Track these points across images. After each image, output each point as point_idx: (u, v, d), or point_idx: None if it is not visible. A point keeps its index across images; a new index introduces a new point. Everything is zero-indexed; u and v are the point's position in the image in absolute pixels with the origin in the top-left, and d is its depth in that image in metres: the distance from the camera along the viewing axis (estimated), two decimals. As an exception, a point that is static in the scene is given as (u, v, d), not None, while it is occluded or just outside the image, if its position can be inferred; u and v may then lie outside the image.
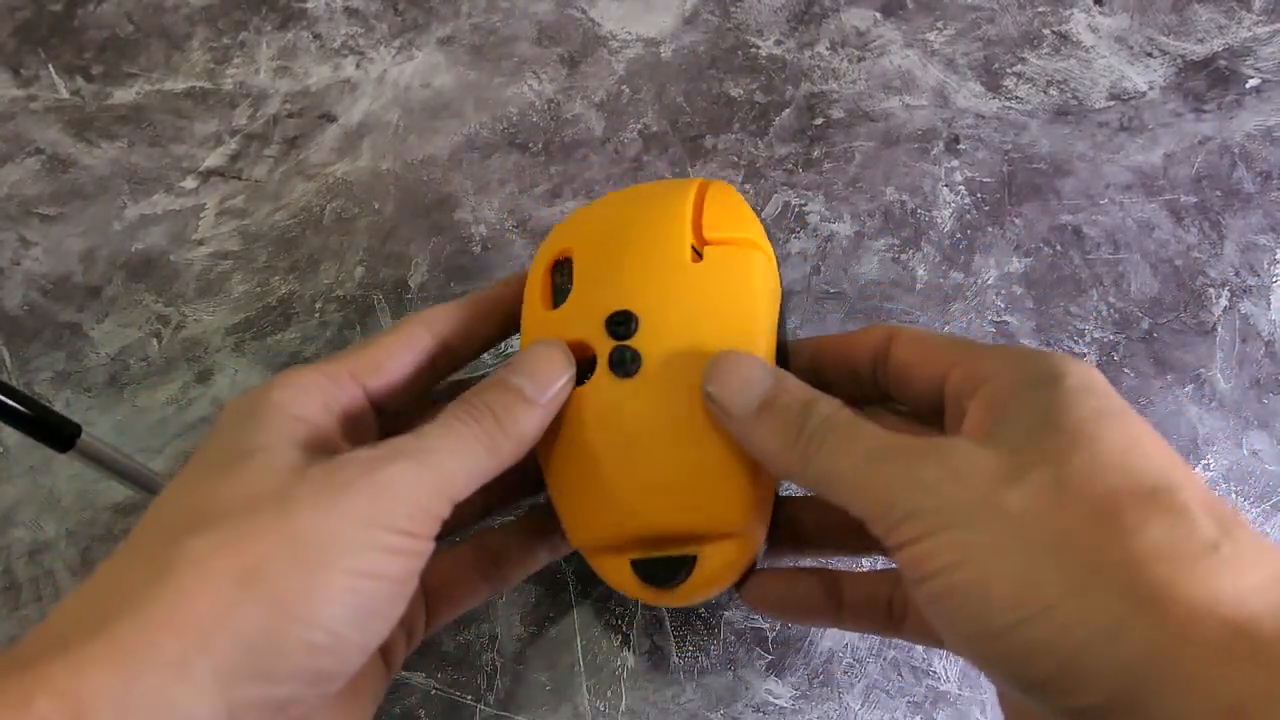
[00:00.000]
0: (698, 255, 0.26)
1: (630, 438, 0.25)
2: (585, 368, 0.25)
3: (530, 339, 0.27)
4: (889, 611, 0.26)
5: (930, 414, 0.25)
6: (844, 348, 0.27)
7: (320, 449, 0.22)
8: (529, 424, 0.24)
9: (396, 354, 0.26)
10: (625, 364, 0.25)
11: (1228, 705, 0.16)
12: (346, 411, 0.24)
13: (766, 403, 0.23)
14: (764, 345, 0.25)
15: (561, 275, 0.27)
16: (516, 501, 0.30)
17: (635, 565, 0.25)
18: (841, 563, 0.32)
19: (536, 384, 0.24)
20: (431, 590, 0.27)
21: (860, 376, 0.27)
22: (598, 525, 0.25)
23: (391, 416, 0.26)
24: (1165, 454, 0.20)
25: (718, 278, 0.26)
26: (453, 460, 0.22)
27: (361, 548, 0.20)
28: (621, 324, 0.25)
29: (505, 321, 0.28)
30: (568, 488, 0.26)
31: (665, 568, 0.25)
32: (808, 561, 0.29)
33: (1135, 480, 0.19)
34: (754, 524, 0.25)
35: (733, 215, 0.27)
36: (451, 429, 0.22)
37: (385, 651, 0.25)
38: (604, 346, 0.25)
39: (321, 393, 0.24)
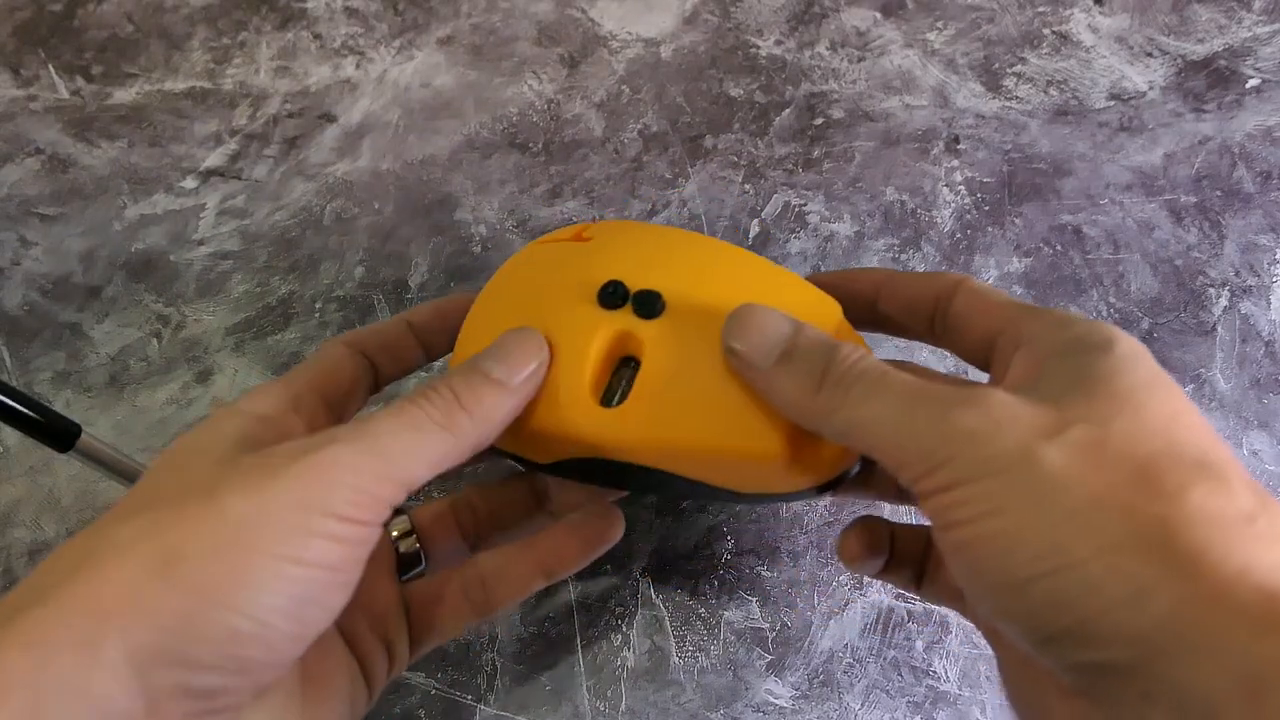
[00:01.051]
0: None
1: (700, 359, 0.24)
2: (626, 366, 0.25)
3: (575, 430, 0.24)
4: (920, 567, 0.26)
5: (980, 366, 0.25)
6: (912, 286, 0.27)
7: (268, 439, 0.22)
8: (496, 407, 0.23)
9: (340, 359, 0.26)
10: (649, 305, 0.24)
11: (1248, 673, 0.16)
12: (297, 407, 0.24)
13: (787, 351, 0.23)
14: (792, 293, 0.25)
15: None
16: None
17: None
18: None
19: (507, 367, 0.23)
20: (414, 610, 0.26)
21: (918, 317, 0.26)
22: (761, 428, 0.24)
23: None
24: (1208, 431, 0.20)
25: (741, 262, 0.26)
26: (399, 441, 0.21)
27: (292, 532, 0.19)
28: (614, 291, 0.25)
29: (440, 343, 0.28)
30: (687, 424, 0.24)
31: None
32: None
33: (1178, 449, 0.19)
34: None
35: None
36: (402, 410, 0.22)
37: (364, 667, 0.24)
38: (623, 319, 0.24)
39: (278, 391, 0.24)
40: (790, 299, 0.25)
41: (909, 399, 0.21)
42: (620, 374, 0.25)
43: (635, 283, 0.25)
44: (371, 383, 0.27)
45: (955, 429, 0.20)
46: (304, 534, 0.19)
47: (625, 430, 0.24)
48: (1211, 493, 0.18)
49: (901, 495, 0.28)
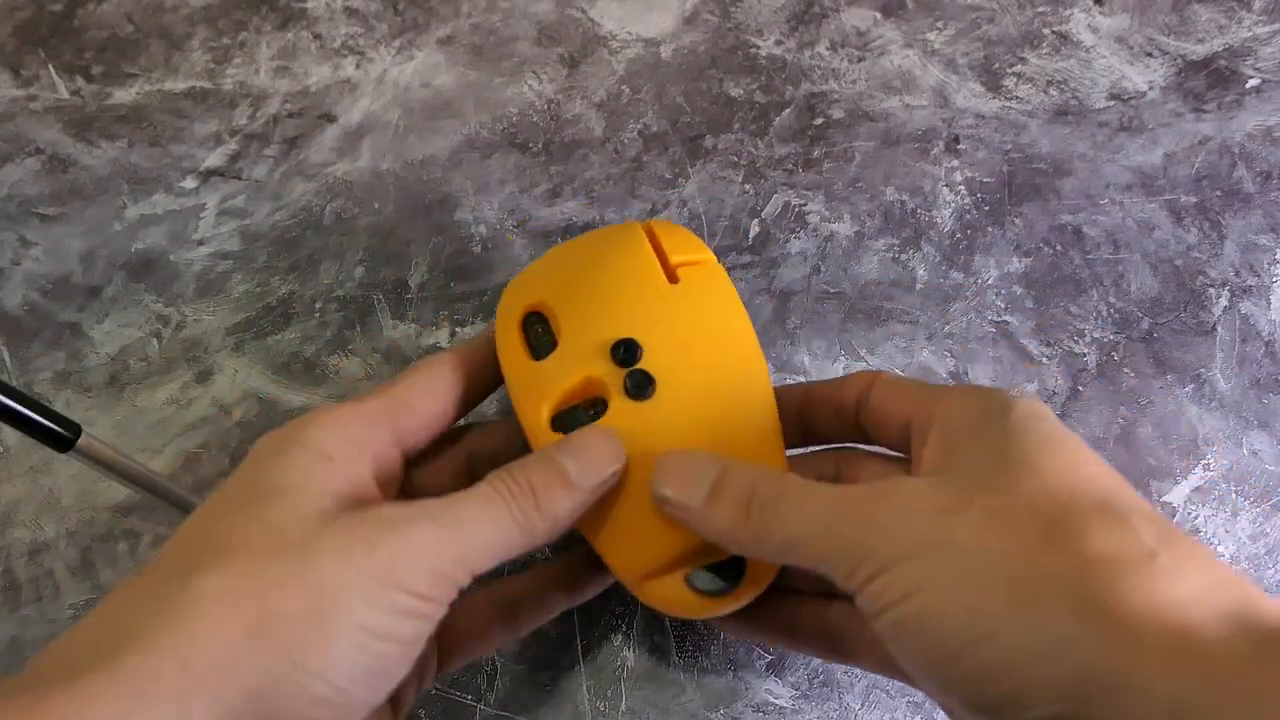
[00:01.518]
0: (671, 280, 0.28)
1: (663, 452, 0.25)
2: (589, 407, 0.26)
3: (532, 395, 0.27)
4: (834, 641, 0.27)
5: (904, 452, 0.26)
6: (831, 393, 0.28)
7: (348, 492, 0.22)
8: (567, 507, 0.23)
9: (426, 392, 0.26)
10: (642, 387, 0.26)
11: (1169, 711, 0.17)
12: (376, 452, 0.24)
13: (715, 488, 0.24)
14: (752, 340, 0.27)
15: (537, 328, 0.28)
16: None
17: (692, 579, 0.25)
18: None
19: (584, 469, 0.24)
20: (446, 636, 0.26)
21: (845, 422, 0.28)
22: (653, 549, 0.25)
23: (413, 459, 0.26)
24: (1108, 474, 0.21)
25: (697, 293, 0.28)
26: (481, 531, 0.22)
27: (376, 607, 0.20)
28: (627, 351, 0.26)
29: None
30: (611, 522, 0.26)
31: (721, 574, 0.25)
32: None
33: (1078, 500, 0.20)
34: None
35: (686, 240, 0.30)
36: (488, 500, 0.22)
37: (394, 698, 0.24)
38: (615, 377, 0.26)
39: (353, 431, 0.23)
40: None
41: (830, 507, 0.22)
42: (584, 413, 0.26)
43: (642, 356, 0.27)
44: (450, 413, 0.27)
45: (873, 523, 0.21)
46: (387, 609, 0.20)
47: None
48: (1112, 536, 0.19)
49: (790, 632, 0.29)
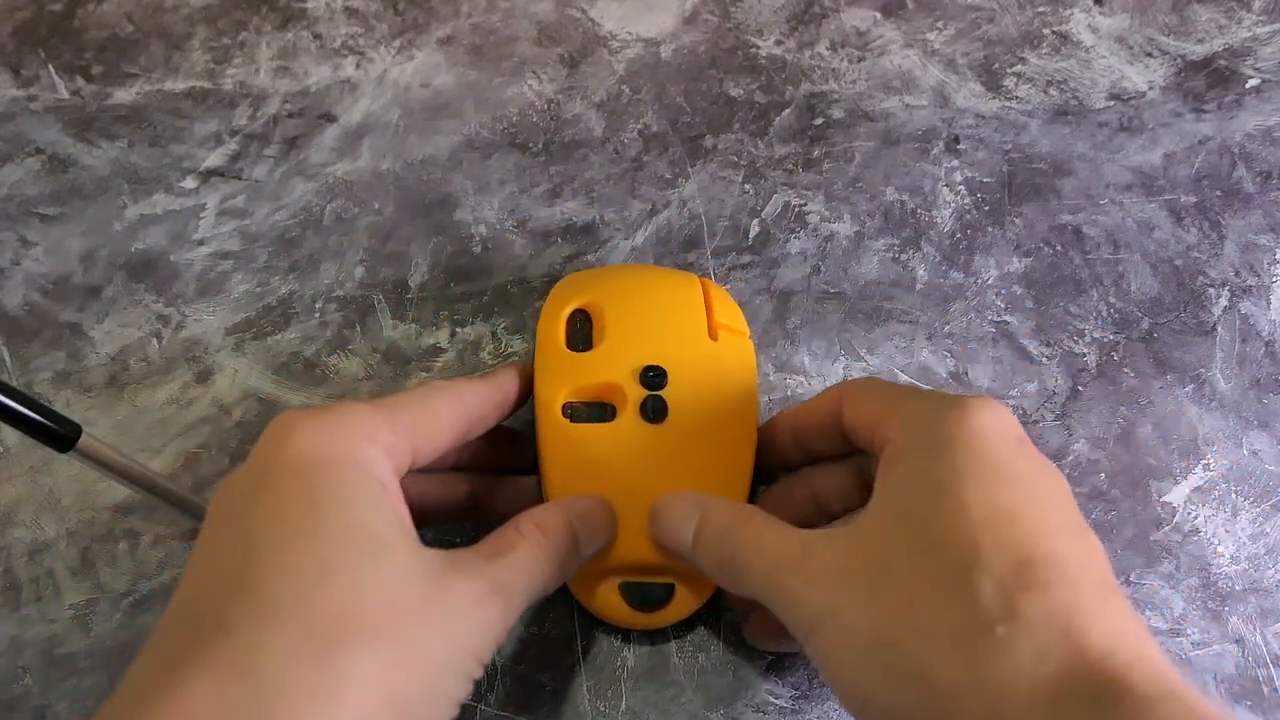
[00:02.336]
0: (712, 336, 0.32)
1: (652, 476, 0.29)
2: (600, 409, 0.30)
3: (555, 378, 0.30)
4: None
5: None
6: (812, 414, 0.29)
7: (406, 524, 0.23)
8: (571, 569, 0.26)
9: (447, 425, 0.26)
10: (657, 413, 0.29)
11: None
12: (400, 474, 0.24)
13: (697, 534, 0.26)
14: (754, 415, 0.31)
15: (580, 324, 0.32)
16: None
17: (624, 588, 0.29)
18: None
19: (588, 542, 0.27)
20: None
21: (832, 437, 0.28)
22: (611, 549, 0.28)
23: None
24: (1024, 517, 0.21)
25: (730, 357, 0.31)
26: (523, 600, 0.24)
27: (465, 681, 0.21)
28: (656, 376, 0.30)
29: (512, 406, 0.30)
30: None
31: (652, 592, 0.29)
32: None
33: (959, 558, 0.21)
34: None
35: (732, 310, 0.33)
36: (528, 571, 0.24)
37: None
38: (635, 393, 0.30)
39: (393, 455, 0.24)
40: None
41: (769, 569, 0.23)
42: (594, 411, 0.30)
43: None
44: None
45: (794, 592, 0.23)
46: (468, 680, 0.22)
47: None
48: (955, 607, 0.20)
49: None
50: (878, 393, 0.26)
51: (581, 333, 0.31)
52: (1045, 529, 0.21)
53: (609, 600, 0.29)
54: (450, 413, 0.26)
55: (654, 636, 0.31)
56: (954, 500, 0.21)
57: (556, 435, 0.29)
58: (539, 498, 0.30)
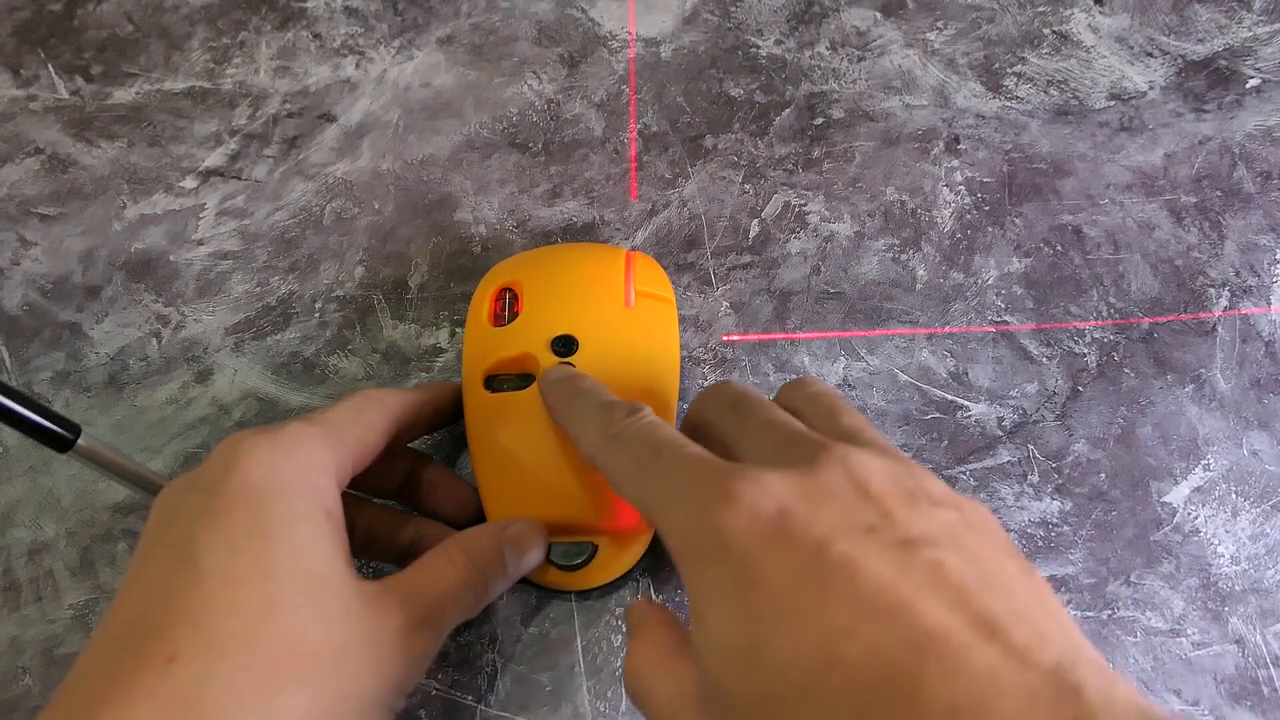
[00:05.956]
0: (627, 303, 0.33)
1: (561, 437, 0.29)
2: (518, 378, 0.31)
3: (478, 352, 0.32)
4: None
5: None
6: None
7: (346, 556, 0.23)
8: (499, 590, 0.27)
9: (379, 436, 0.27)
10: None
11: None
12: (342, 488, 0.25)
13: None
14: (673, 376, 0.32)
15: (505, 302, 0.33)
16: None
17: (549, 551, 0.30)
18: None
19: (518, 564, 0.27)
20: None
21: None
22: (526, 509, 0.30)
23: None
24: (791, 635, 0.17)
25: (645, 322, 0.33)
26: (449, 623, 0.25)
27: (388, 712, 0.22)
28: (565, 345, 0.31)
29: (442, 419, 0.31)
30: (500, 477, 0.30)
31: (572, 552, 0.30)
32: None
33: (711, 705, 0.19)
34: (646, 524, 0.31)
35: (656, 276, 0.35)
36: (456, 598, 0.25)
37: None
38: (548, 361, 0.31)
39: (339, 476, 0.24)
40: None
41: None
42: (511, 381, 0.31)
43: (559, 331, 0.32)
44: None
45: None
46: (390, 711, 0.23)
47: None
48: None
49: None
50: (624, 467, 0.23)
51: (508, 309, 0.33)
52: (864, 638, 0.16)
53: None
54: (382, 423, 0.27)
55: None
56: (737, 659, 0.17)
57: (476, 407, 0.31)
58: (478, 505, 0.31)
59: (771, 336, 0.37)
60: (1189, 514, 0.34)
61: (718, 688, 0.17)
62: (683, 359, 0.36)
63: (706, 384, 0.36)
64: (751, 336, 0.37)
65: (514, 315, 0.33)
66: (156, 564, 0.21)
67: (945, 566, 0.17)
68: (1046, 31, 0.45)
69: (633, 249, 0.37)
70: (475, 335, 0.33)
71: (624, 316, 0.32)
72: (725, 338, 0.37)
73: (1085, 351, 0.37)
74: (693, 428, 0.26)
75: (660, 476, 0.21)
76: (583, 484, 0.30)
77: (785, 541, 0.17)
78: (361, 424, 0.26)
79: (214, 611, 0.20)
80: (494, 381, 0.32)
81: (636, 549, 0.31)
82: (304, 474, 0.23)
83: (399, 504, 0.32)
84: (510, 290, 0.34)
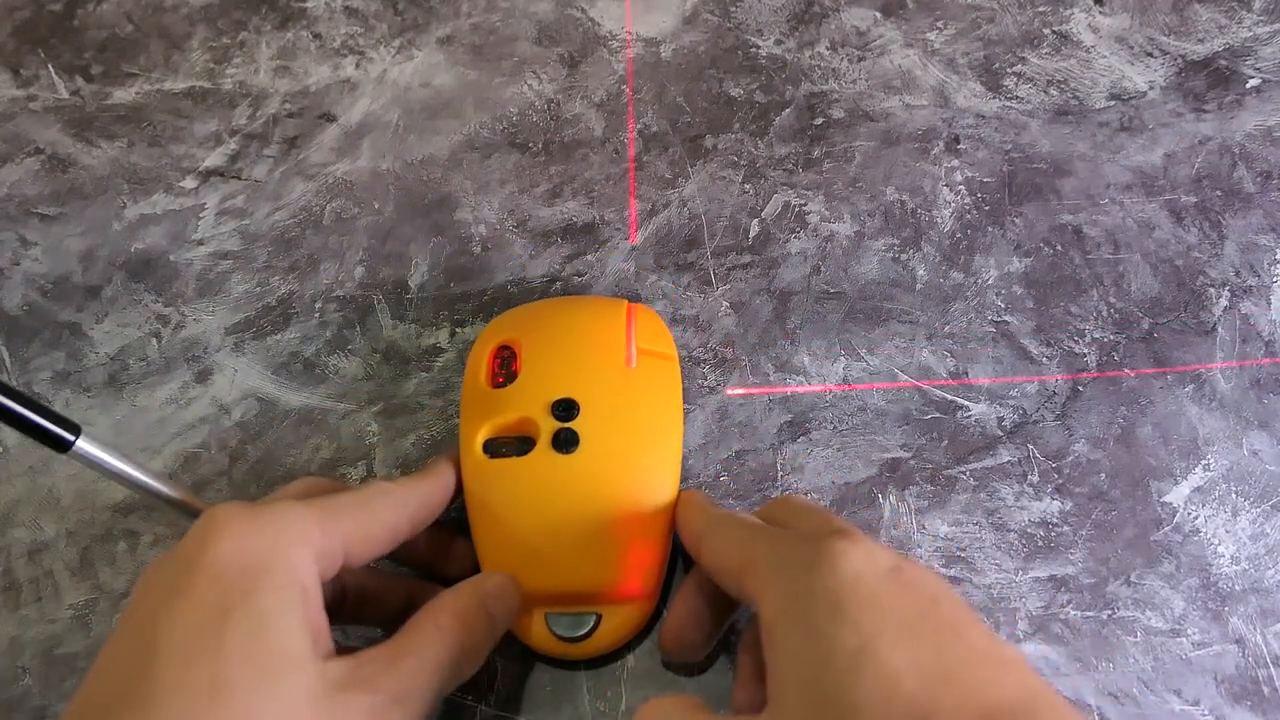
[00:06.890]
0: (629, 363, 0.32)
1: (564, 505, 0.29)
2: (518, 443, 0.30)
3: (476, 416, 0.31)
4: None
5: None
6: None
7: (319, 633, 0.22)
8: (487, 645, 0.26)
9: (386, 529, 0.26)
10: (567, 444, 0.29)
11: None
12: (328, 576, 0.24)
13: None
14: (677, 439, 0.32)
15: (503, 360, 0.32)
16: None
17: (551, 621, 0.29)
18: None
19: (501, 618, 0.27)
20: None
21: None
22: (528, 578, 0.29)
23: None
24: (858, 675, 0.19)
25: (647, 382, 0.32)
26: (436, 687, 0.24)
27: None
28: (565, 409, 0.30)
29: (453, 495, 0.30)
30: (501, 544, 0.29)
31: (576, 623, 0.29)
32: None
33: None
34: (653, 592, 0.30)
35: (658, 332, 0.34)
36: (437, 663, 0.24)
37: None
38: (548, 426, 0.30)
39: (322, 558, 0.23)
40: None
41: None
42: (512, 446, 0.30)
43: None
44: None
45: None
46: None
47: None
48: None
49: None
50: (734, 539, 0.25)
51: (505, 369, 0.32)
52: (981, 678, 0.19)
53: (536, 630, 0.30)
54: (392, 516, 0.26)
55: (654, 637, 0.31)
56: (873, 672, 0.19)
57: (474, 472, 0.30)
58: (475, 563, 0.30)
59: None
60: (1189, 514, 0.34)
61: (825, 700, 0.19)
62: (682, 359, 0.36)
63: (707, 384, 0.36)
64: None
65: (512, 375, 0.31)
66: (120, 644, 0.21)
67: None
68: (1046, 31, 0.45)
69: (633, 301, 0.36)
70: (473, 397, 0.31)
71: (626, 377, 0.31)
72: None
73: (1085, 351, 0.37)
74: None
75: (759, 542, 0.24)
76: (586, 554, 0.29)
77: (900, 585, 0.20)
78: (367, 513, 0.25)
79: (164, 694, 0.20)
80: (493, 445, 0.30)
81: (640, 616, 0.30)
82: (281, 550, 0.22)
83: (392, 562, 0.31)
84: (508, 348, 0.32)
